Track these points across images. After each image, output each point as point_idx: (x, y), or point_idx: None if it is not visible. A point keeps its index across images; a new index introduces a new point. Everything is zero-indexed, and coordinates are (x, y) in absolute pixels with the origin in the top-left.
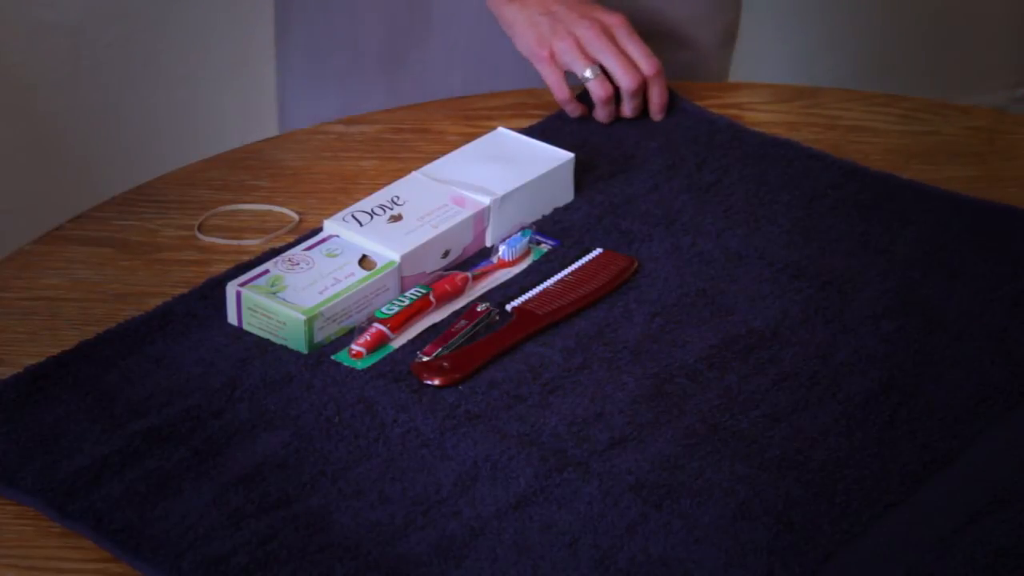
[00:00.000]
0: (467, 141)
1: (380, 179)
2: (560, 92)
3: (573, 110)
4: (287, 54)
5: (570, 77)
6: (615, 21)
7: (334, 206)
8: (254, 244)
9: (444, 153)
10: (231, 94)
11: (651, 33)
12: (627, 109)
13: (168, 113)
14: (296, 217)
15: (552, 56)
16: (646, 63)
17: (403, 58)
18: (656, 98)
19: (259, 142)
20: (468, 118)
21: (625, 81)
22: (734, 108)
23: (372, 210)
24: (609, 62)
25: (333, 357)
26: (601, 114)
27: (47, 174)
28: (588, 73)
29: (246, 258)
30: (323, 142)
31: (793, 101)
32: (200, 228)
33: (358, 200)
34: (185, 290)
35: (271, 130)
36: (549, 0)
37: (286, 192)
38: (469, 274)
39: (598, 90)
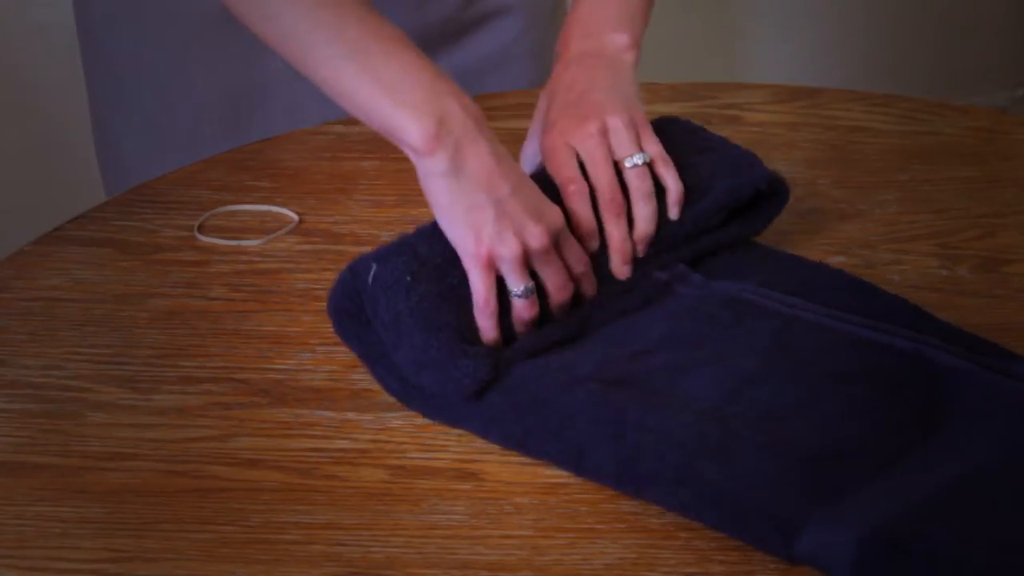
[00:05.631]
0: None
1: (380, 179)
2: (486, 304)
3: (489, 329)
4: (122, 119)
5: None
6: (560, 223)
7: (334, 206)
8: (254, 244)
9: None
10: None
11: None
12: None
13: None
14: (296, 217)
15: (491, 261)
16: (584, 274)
17: (247, 121)
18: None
19: (259, 142)
20: None
21: (556, 298)
22: (734, 108)
23: None
24: (548, 280)
25: None
26: (519, 333)
27: (47, 174)
28: (521, 291)
29: (246, 258)
30: (323, 142)
31: (793, 101)
32: (200, 228)
33: (357, 200)
34: (185, 291)
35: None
36: (494, 173)
37: (286, 192)
38: None
39: (525, 312)
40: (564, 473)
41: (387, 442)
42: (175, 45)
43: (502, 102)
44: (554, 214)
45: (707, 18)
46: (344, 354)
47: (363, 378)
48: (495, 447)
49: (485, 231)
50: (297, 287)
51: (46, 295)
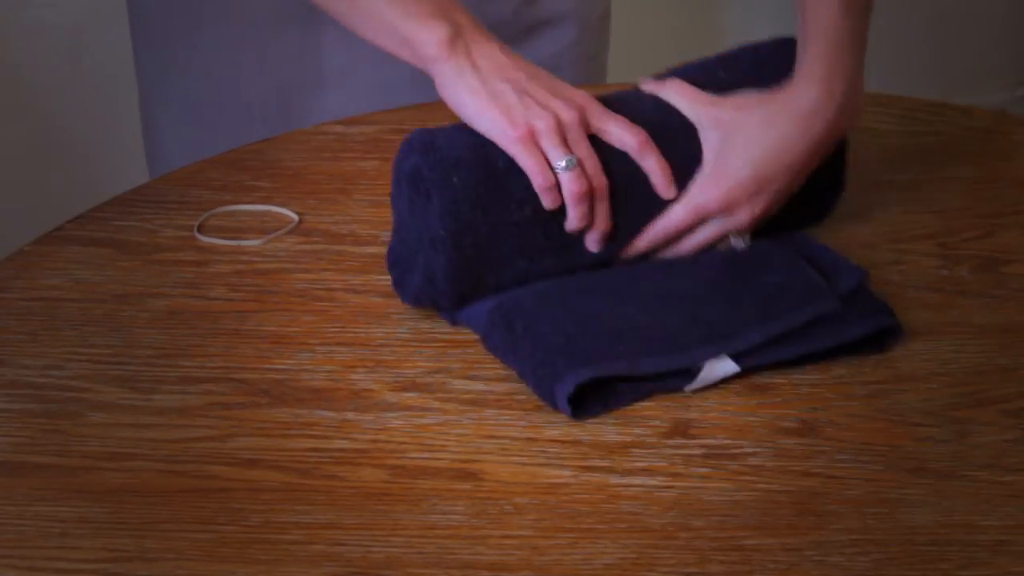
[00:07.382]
0: None
1: (380, 179)
2: (544, 178)
3: (552, 200)
4: (163, 108)
5: None
6: (585, 101)
7: (334, 206)
8: (254, 244)
9: None
10: None
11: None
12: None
13: None
14: (296, 217)
15: (531, 136)
16: (631, 138)
17: (299, 114)
18: (656, 172)
19: (259, 142)
20: None
21: (596, 179)
22: None
23: None
24: (585, 155)
25: None
26: (573, 215)
27: (47, 174)
28: (564, 164)
29: (246, 258)
30: (323, 142)
31: None
32: (200, 228)
33: (357, 200)
34: (185, 291)
35: (272, 129)
36: (507, 65)
37: (286, 192)
38: None
39: (574, 185)
40: (564, 473)
41: (387, 442)
42: (230, 41)
43: None
44: (575, 93)
45: (707, 18)
46: (344, 354)
47: (363, 378)
48: (495, 447)
49: (516, 111)
50: (297, 287)
51: (46, 295)
